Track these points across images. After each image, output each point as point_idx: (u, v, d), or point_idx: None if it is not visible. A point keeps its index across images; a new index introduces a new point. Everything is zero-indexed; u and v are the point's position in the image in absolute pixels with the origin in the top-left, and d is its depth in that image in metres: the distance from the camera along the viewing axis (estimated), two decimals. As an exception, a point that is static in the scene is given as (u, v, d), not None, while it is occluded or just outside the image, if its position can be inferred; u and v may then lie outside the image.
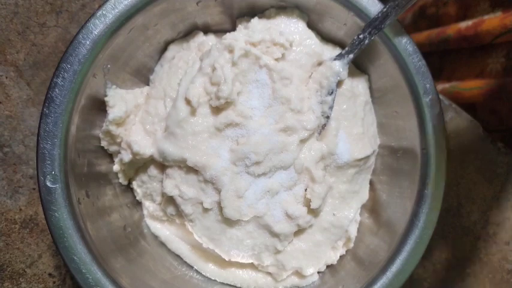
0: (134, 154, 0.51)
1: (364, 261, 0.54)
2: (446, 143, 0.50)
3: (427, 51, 0.87)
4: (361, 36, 0.50)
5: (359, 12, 0.50)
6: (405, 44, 0.50)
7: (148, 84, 0.57)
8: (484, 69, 0.76)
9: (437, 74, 0.88)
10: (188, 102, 0.50)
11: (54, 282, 0.59)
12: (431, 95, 0.50)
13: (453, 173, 0.70)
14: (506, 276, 0.71)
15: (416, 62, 0.50)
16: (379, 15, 0.48)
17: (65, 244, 0.44)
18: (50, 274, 0.59)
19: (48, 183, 0.43)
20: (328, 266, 0.57)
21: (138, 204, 0.58)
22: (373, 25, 0.49)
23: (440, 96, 0.69)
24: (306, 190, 0.53)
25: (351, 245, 0.57)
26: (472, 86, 0.76)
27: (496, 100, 0.73)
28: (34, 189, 0.59)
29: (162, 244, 0.58)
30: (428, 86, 0.50)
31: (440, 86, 0.84)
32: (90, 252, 0.44)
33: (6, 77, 0.59)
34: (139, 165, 0.55)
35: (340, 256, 0.57)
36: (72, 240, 0.44)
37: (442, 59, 0.88)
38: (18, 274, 0.58)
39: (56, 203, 0.44)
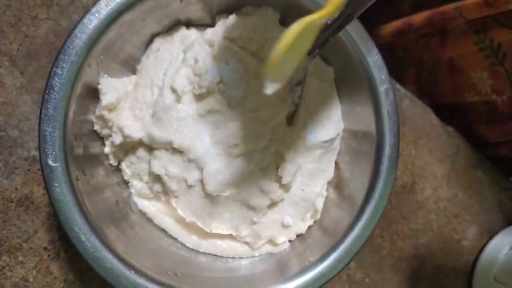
0: (125, 137, 0.57)
1: (329, 229, 0.60)
2: (398, 126, 0.57)
3: None
4: (325, 33, 0.56)
5: (324, 11, 0.56)
6: (365, 40, 0.57)
7: (135, 73, 0.62)
8: (398, 11, 0.87)
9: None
10: (174, 90, 0.56)
11: (49, 255, 0.63)
12: (386, 85, 0.57)
13: (408, 155, 0.78)
14: (455, 245, 0.79)
15: (373, 56, 0.57)
16: (341, 15, 0.55)
17: (65, 216, 0.49)
18: (45, 248, 0.63)
19: (50, 162, 0.49)
20: (298, 235, 0.63)
21: (127, 183, 0.62)
22: (336, 23, 0.55)
23: (397, 86, 0.77)
24: (277, 168, 0.60)
25: (318, 216, 0.63)
26: (386, 25, 0.87)
27: (404, 36, 0.83)
28: (29, 170, 0.63)
29: (150, 219, 0.63)
30: (383, 77, 0.56)
31: None
32: (88, 223, 0.49)
33: (1, 66, 0.63)
34: (128, 147, 0.60)
35: (309, 226, 0.63)
36: (72, 213, 0.49)
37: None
38: (15, 248, 0.62)
39: (57, 179, 0.49)
